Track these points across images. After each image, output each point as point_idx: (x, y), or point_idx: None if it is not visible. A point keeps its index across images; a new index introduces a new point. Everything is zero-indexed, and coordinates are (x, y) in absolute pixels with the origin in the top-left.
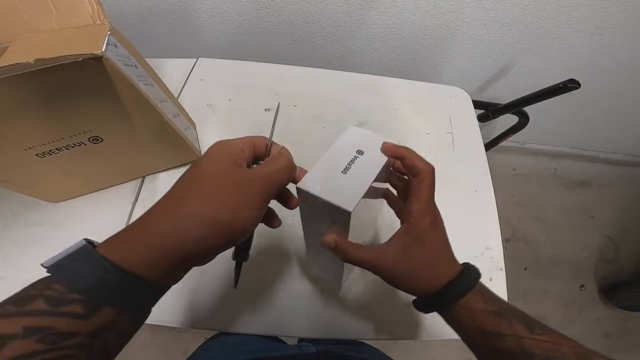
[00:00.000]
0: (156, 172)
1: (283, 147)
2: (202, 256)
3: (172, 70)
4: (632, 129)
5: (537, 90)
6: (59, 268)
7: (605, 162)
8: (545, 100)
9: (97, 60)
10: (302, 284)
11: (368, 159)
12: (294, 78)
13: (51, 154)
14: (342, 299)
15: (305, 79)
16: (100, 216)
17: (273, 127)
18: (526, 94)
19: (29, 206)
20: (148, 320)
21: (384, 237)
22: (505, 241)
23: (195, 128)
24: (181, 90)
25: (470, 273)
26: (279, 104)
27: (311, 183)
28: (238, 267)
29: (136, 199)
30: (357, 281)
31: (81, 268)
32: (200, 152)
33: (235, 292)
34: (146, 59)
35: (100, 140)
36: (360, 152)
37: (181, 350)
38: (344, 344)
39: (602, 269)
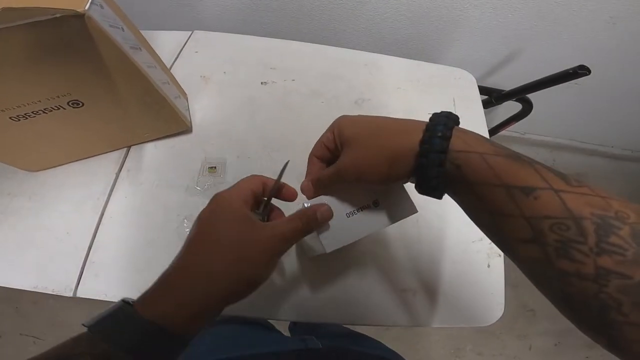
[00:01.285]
0: (143, 142)
1: (308, 209)
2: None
3: (166, 42)
4: (632, 123)
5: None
6: (100, 327)
7: (604, 156)
8: (548, 91)
9: (79, 18)
10: (294, 267)
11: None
12: (293, 53)
13: (27, 118)
14: (334, 284)
15: (305, 54)
16: (82, 187)
17: (279, 177)
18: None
19: (5, 175)
20: None
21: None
22: None
23: (187, 99)
24: (174, 62)
25: (439, 116)
26: (287, 162)
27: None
28: None
29: (120, 170)
30: (349, 266)
31: (123, 328)
32: (190, 122)
33: None
34: (141, 31)
35: (81, 104)
36: (376, 204)
37: None
38: (349, 337)
39: None
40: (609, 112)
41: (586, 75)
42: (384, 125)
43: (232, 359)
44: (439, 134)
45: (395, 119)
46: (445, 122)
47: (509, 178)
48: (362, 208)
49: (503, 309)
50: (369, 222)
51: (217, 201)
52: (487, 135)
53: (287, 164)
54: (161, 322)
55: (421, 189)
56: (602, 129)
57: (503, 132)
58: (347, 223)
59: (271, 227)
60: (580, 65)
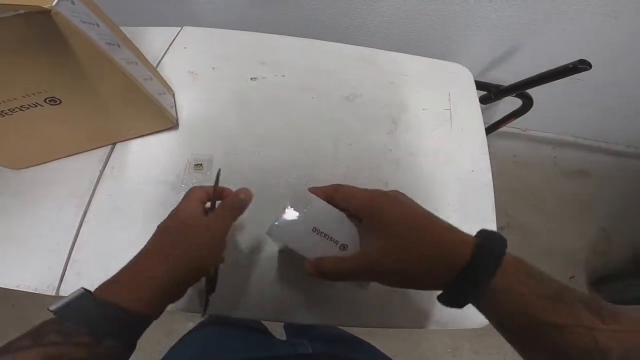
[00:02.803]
0: (128, 140)
1: (237, 191)
2: (182, 293)
3: (154, 38)
4: (636, 119)
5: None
6: (64, 311)
7: (606, 153)
8: (549, 87)
9: (45, 14)
10: (287, 268)
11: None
12: (284, 48)
13: (4, 115)
14: (327, 285)
15: (295, 49)
16: (65, 185)
17: (216, 184)
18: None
19: None
20: None
21: None
22: (500, 229)
23: (173, 95)
24: (162, 58)
25: (490, 241)
26: (219, 170)
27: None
28: (206, 298)
29: (104, 167)
30: None
31: (85, 309)
32: (176, 119)
33: (222, 276)
34: (128, 27)
35: (58, 101)
36: (343, 247)
37: (164, 332)
38: (341, 342)
39: (592, 261)
40: (612, 108)
41: (587, 69)
42: (432, 225)
43: None
44: (478, 274)
45: (441, 221)
46: (497, 250)
47: (543, 313)
48: (329, 238)
49: None
50: (319, 250)
51: (175, 212)
52: (483, 128)
53: (219, 171)
54: (122, 303)
55: (444, 304)
56: (605, 126)
57: (504, 128)
58: (305, 234)
59: (212, 217)
60: (580, 60)
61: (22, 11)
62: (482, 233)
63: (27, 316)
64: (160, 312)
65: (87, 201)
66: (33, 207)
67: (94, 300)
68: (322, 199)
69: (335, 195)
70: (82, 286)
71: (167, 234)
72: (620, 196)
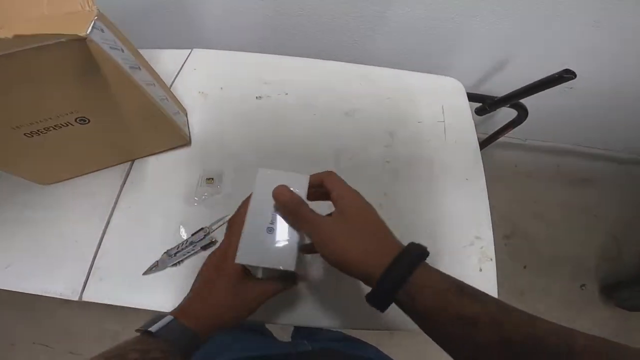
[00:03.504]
0: (145, 156)
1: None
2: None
3: (167, 60)
4: (635, 126)
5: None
6: (160, 332)
7: (610, 160)
8: (547, 97)
9: (81, 41)
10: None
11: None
12: (286, 67)
13: (39, 134)
14: (331, 289)
15: (297, 68)
16: (89, 198)
17: None
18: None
19: (19, 188)
20: (153, 307)
21: None
22: (506, 238)
23: (186, 114)
24: (174, 79)
25: (415, 246)
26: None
27: (246, 255)
28: None
29: (124, 182)
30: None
31: (175, 335)
32: (189, 136)
33: None
34: (144, 50)
35: (87, 121)
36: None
37: None
38: (342, 341)
39: (603, 268)
40: (612, 115)
41: (572, 79)
42: (376, 229)
43: None
44: (402, 266)
45: (384, 227)
46: (412, 259)
47: (460, 308)
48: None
49: None
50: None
51: (221, 258)
52: (475, 138)
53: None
54: (194, 329)
55: (371, 302)
56: (606, 133)
57: (503, 139)
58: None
59: (259, 288)
60: (565, 70)
61: (63, 39)
62: (409, 245)
63: (44, 327)
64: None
65: (109, 213)
66: (59, 219)
67: (180, 327)
68: (313, 182)
69: (326, 180)
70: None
71: (201, 275)
72: (626, 203)
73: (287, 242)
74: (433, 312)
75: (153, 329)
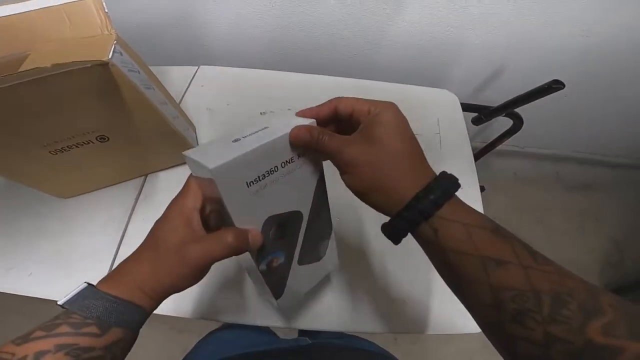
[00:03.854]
0: (157, 171)
1: (247, 231)
2: (175, 291)
3: (175, 77)
4: (632, 131)
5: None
6: (72, 304)
7: (609, 166)
8: (542, 104)
9: (104, 66)
10: None
11: (270, 131)
12: (289, 83)
13: (63, 152)
14: (339, 291)
15: (299, 84)
16: (106, 212)
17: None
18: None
19: (41, 202)
20: (162, 312)
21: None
22: None
23: (195, 130)
24: (183, 96)
25: (447, 175)
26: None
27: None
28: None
29: (138, 196)
30: (353, 274)
31: (91, 302)
32: None
33: (235, 285)
34: (153, 67)
35: (107, 139)
36: (265, 128)
37: (180, 348)
38: (342, 338)
39: (606, 273)
40: (607, 121)
41: (561, 89)
42: (411, 150)
43: (226, 359)
44: (432, 197)
45: (418, 148)
46: (444, 188)
47: (486, 250)
48: (251, 134)
49: None
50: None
51: (170, 207)
52: (469, 148)
53: None
54: (124, 296)
55: (387, 232)
56: (603, 139)
57: (501, 147)
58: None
59: (205, 244)
60: (554, 80)
61: (88, 64)
62: (441, 174)
63: None
64: (156, 304)
65: (124, 225)
66: (78, 230)
67: (96, 292)
68: (326, 112)
69: (339, 105)
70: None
71: (150, 235)
72: (628, 207)
73: (232, 151)
74: (457, 249)
75: (60, 301)
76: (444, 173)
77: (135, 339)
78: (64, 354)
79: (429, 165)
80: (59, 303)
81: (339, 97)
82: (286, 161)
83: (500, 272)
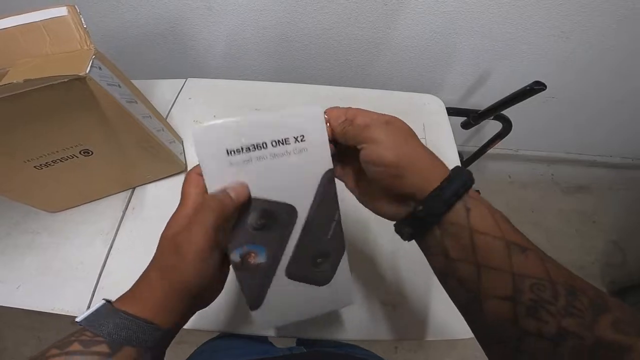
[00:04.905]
0: (145, 183)
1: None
2: (201, 298)
3: (163, 90)
4: (623, 131)
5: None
6: (87, 321)
7: (604, 166)
8: (530, 106)
9: (82, 80)
10: None
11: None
12: (275, 93)
13: (48, 166)
14: None
15: (286, 94)
16: (94, 224)
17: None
18: None
19: (30, 215)
20: None
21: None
22: None
23: (182, 142)
24: (170, 109)
25: (460, 167)
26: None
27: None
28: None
29: (126, 208)
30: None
31: (103, 319)
32: (185, 164)
33: (230, 295)
34: (142, 80)
35: (90, 153)
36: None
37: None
38: (337, 346)
39: (609, 274)
40: (598, 121)
41: (543, 90)
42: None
43: None
44: (463, 178)
45: (428, 150)
46: (467, 175)
47: (510, 235)
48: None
49: None
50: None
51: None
52: (456, 152)
53: None
54: (137, 313)
55: (402, 230)
56: (596, 139)
57: (495, 150)
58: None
59: (191, 221)
60: (535, 82)
61: (65, 79)
62: (455, 167)
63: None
64: (179, 317)
65: (112, 237)
66: (66, 243)
67: (110, 309)
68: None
69: (356, 119)
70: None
71: (158, 246)
72: (625, 207)
73: None
74: (485, 231)
75: (78, 318)
76: (457, 166)
77: None
78: None
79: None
80: (76, 320)
81: (354, 110)
82: (278, 141)
83: (522, 259)
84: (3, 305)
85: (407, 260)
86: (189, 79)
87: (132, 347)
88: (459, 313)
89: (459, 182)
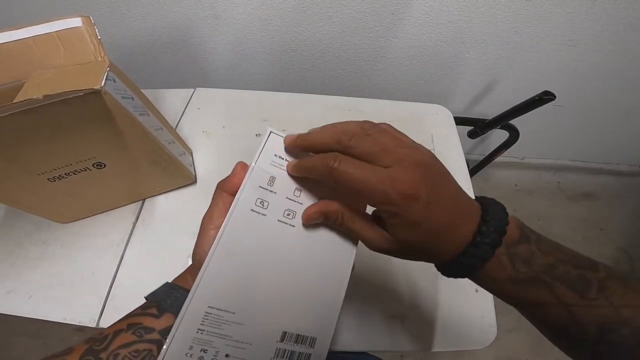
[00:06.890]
0: (155, 195)
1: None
2: None
3: (172, 100)
4: (631, 138)
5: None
6: (150, 295)
7: (611, 174)
8: (537, 115)
9: (97, 94)
10: None
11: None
12: (283, 104)
13: (60, 179)
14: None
15: (293, 104)
16: (104, 236)
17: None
18: None
19: (41, 226)
20: None
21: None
22: None
23: (191, 154)
24: (179, 119)
25: (493, 203)
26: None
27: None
28: None
29: (136, 220)
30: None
31: (159, 291)
32: (194, 175)
33: None
34: (150, 90)
35: (103, 165)
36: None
37: None
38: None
39: None
40: (605, 129)
41: (552, 100)
42: (456, 192)
43: None
44: (475, 257)
45: (455, 205)
46: (499, 218)
47: (521, 296)
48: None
49: (496, 331)
50: None
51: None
52: (464, 162)
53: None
54: (184, 285)
55: (442, 273)
56: (603, 147)
57: (501, 159)
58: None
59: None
60: (544, 92)
61: (81, 93)
62: (483, 210)
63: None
64: None
65: (123, 248)
66: (77, 254)
67: (167, 284)
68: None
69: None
70: (144, 296)
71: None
72: (632, 215)
73: None
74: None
75: (147, 295)
76: (485, 200)
77: None
78: (131, 332)
79: (472, 205)
80: (144, 296)
81: (336, 160)
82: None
83: (541, 313)
84: (16, 315)
85: (416, 272)
86: (197, 88)
87: (172, 314)
88: (467, 324)
89: (493, 235)
